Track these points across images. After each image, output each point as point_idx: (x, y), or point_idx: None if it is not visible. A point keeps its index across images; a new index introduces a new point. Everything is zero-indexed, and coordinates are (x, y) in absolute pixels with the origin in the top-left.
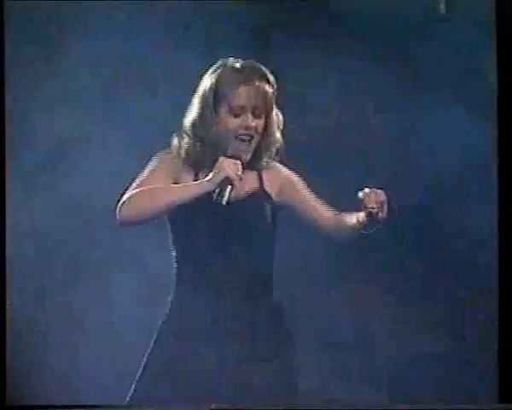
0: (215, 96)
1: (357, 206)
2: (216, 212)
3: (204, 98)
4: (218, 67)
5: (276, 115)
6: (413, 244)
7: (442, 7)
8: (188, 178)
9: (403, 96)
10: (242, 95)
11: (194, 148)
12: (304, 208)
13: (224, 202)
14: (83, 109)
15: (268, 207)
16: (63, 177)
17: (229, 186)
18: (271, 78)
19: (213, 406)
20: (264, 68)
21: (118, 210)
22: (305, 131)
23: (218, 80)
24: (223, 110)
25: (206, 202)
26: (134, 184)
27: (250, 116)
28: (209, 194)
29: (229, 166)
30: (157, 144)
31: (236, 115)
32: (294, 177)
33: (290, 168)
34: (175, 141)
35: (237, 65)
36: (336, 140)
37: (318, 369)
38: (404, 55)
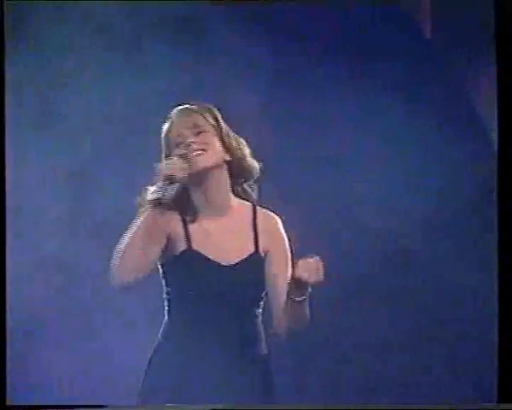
0: (166, 144)
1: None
2: (211, 274)
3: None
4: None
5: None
6: (413, 243)
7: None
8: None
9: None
10: (177, 123)
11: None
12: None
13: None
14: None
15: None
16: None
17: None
18: (212, 107)
19: (213, 406)
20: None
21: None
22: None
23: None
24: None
25: (204, 266)
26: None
27: (189, 133)
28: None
29: (162, 167)
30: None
31: (178, 144)
32: (282, 245)
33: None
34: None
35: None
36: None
37: (317, 372)
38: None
